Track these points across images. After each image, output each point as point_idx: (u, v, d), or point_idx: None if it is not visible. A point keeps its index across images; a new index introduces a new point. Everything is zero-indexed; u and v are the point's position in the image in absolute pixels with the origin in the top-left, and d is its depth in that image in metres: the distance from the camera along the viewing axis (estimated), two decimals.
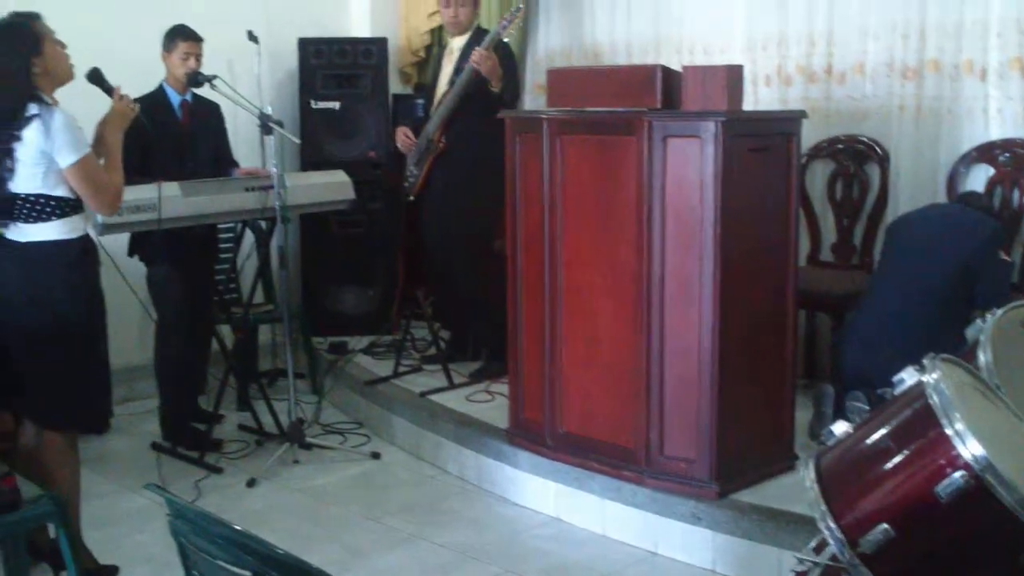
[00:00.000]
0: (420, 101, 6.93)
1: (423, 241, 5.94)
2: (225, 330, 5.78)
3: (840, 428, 2.57)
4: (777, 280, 4.33)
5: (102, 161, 3.89)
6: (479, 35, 5.62)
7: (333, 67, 6.79)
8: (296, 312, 6.08)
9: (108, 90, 4.08)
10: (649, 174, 4.06)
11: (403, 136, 5.92)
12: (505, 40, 5.49)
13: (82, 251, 3.86)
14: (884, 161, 5.28)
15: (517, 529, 4.58)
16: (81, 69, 4.06)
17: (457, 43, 5.79)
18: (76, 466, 4.05)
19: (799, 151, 4.35)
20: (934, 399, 2.30)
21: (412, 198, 5.91)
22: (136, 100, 5.15)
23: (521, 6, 5.63)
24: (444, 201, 5.75)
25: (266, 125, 5.08)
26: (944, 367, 2.42)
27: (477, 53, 5.37)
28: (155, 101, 5.36)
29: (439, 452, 5.25)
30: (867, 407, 4.21)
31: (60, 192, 3.74)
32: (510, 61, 5.64)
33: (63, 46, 3.87)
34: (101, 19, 5.93)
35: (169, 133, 5.35)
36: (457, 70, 5.62)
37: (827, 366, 5.34)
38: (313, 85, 6.79)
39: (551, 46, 6.72)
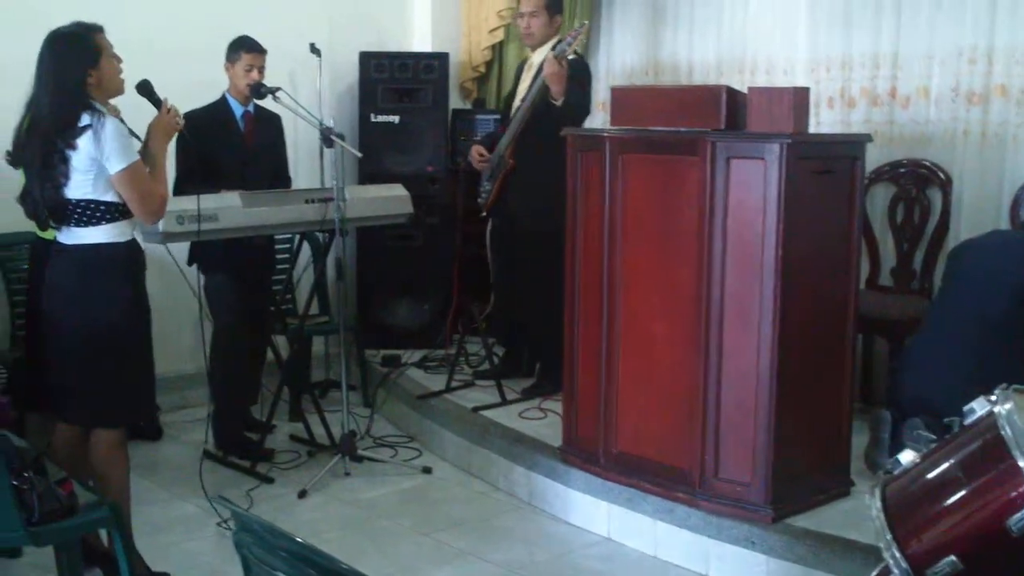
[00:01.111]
0: (481, 117, 6.98)
1: (492, 256, 5.94)
2: (279, 341, 5.81)
3: (907, 457, 2.53)
4: (837, 304, 4.29)
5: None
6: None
7: (394, 81, 6.81)
8: (350, 324, 6.09)
9: (156, 102, 4.14)
10: (711, 195, 4.04)
11: (477, 154, 5.88)
12: (571, 57, 5.35)
13: (129, 254, 3.97)
14: (946, 186, 5.22)
15: (568, 548, 4.56)
16: (135, 79, 4.11)
17: (536, 57, 5.71)
18: (126, 466, 4.12)
19: (863, 175, 4.32)
20: (1006, 431, 2.26)
21: (484, 214, 5.91)
22: (198, 111, 5.26)
23: (586, 22, 5.59)
24: (513, 218, 5.74)
25: (328, 138, 5.10)
26: (1017, 398, 2.38)
27: (549, 55, 5.29)
28: (217, 112, 5.43)
29: (490, 468, 5.24)
30: (931, 435, 4.14)
31: (109, 197, 3.83)
32: (582, 76, 5.51)
33: (119, 60, 3.95)
34: (166, 29, 6.00)
35: (230, 144, 5.40)
36: (531, 86, 5.55)
37: (883, 391, 5.27)
38: (373, 99, 6.82)
39: (612, 65, 6.71)
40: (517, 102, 5.73)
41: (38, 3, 5.34)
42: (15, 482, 3.35)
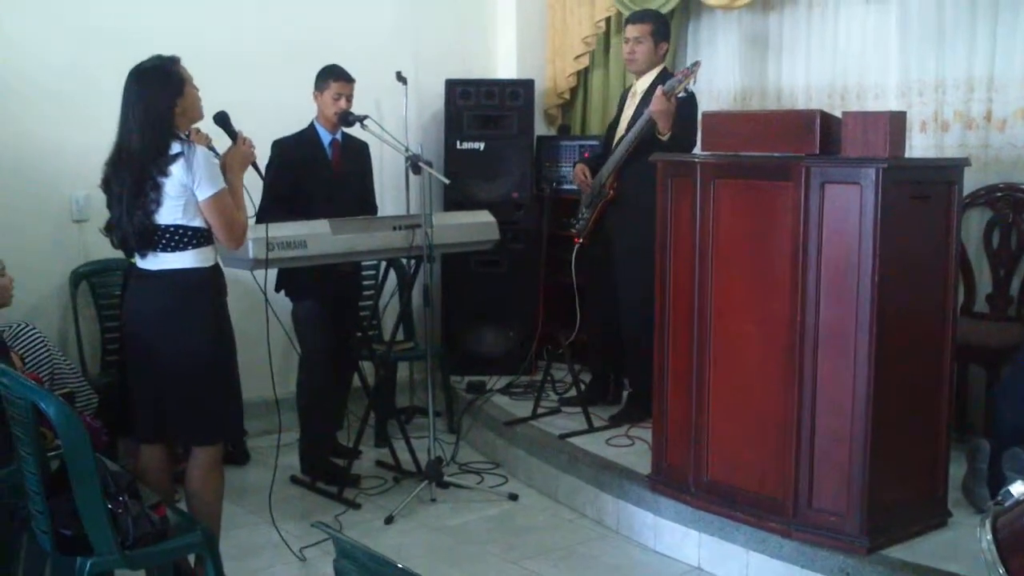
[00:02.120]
0: (566, 143, 6.97)
1: (581, 282, 5.91)
2: (365, 367, 5.83)
3: (1019, 488, 2.45)
4: (934, 332, 4.21)
5: None
6: (664, 77, 5.48)
7: (479, 108, 6.83)
8: (436, 350, 6.09)
9: (232, 134, 4.22)
10: (805, 221, 3.99)
11: (580, 174, 5.87)
12: (682, 94, 5.30)
13: (213, 278, 4.06)
14: None
15: None
16: (226, 106, 4.23)
17: (640, 85, 5.70)
18: (221, 488, 4.22)
19: (960, 200, 4.23)
20: None
21: (580, 241, 5.89)
22: (287, 138, 5.33)
23: (699, 61, 5.49)
24: (610, 246, 5.71)
25: (416, 165, 5.13)
26: None
27: (658, 90, 5.26)
28: (306, 139, 5.48)
29: (577, 496, 5.20)
30: None
31: (197, 223, 3.92)
32: (688, 112, 5.43)
33: (197, 89, 4.04)
34: (256, 55, 6.10)
35: (319, 172, 5.45)
36: (636, 114, 5.52)
37: (980, 420, 5.17)
38: (459, 126, 6.84)
39: (699, 90, 6.67)
40: (621, 130, 5.71)
41: (127, 28, 5.46)
42: (110, 506, 3.39)
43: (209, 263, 4.01)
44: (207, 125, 4.20)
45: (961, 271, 5.21)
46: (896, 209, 3.88)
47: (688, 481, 4.54)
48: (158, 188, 3.82)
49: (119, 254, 4.42)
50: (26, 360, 4.97)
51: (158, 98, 3.88)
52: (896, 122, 3.99)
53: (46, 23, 5.57)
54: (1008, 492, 2.47)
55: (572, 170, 6.22)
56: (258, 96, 5.60)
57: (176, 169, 3.81)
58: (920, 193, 4.06)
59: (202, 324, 3.99)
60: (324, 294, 5.39)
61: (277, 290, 5.33)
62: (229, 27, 6.07)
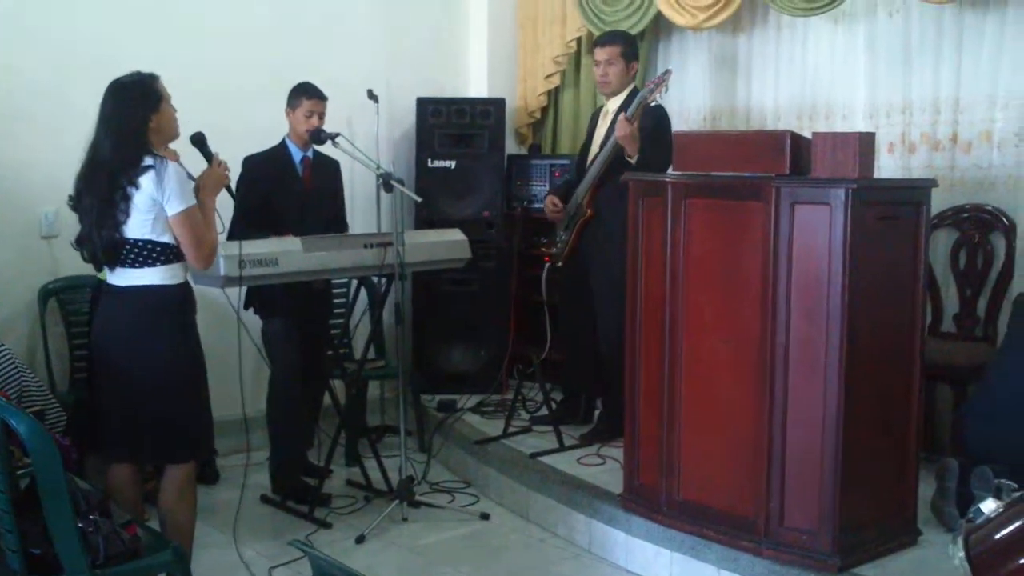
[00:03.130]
0: (536, 162, 6.98)
1: (563, 302, 5.93)
2: (336, 385, 5.81)
3: (989, 505, 2.47)
4: (903, 350, 4.24)
5: None
6: (633, 97, 5.47)
7: (450, 127, 6.84)
8: (407, 369, 6.08)
9: (208, 155, 4.25)
10: (775, 240, 4.02)
11: (551, 205, 5.86)
12: (652, 104, 5.34)
13: (182, 296, 4.06)
14: (1011, 231, 5.16)
15: None
16: (198, 122, 4.26)
17: (612, 104, 5.71)
18: (194, 506, 4.21)
19: (928, 220, 4.28)
20: None
21: (560, 264, 5.89)
22: (258, 155, 5.33)
23: (669, 69, 5.52)
24: (588, 265, 5.71)
25: (387, 183, 5.13)
26: None
27: (620, 117, 5.30)
28: (277, 156, 5.48)
29: (549, 515, 5.20)
30: (1013, 483, 4.06)
31: (166, 239, 3.93)
32: (660, 126, 5.44)
33: (174, 109, 4.07)
34: (227, 73, 6.11)
35: (290, 188, 5.44)
36: (609, 132, 5.51)
37: (947, 439, 5.20)
38: (430, 144, 6.84)
39: (670, 110, 6.72)
40: (594, 149, 5.73)
41: (102, 50, 5.44)
42: (80, 524, 3.37)
43: (178, 280, 4.01)
44: (183, 145, 4.19)
45: (928, 291, 5.26)
46: (865, 229, 3.92)
47: (660, 500, 4.54)
48: (127, 199, 3.83)
49: (88, 270, 4.40)
50: None
51: (133, 111, 3.91)
52: (865, 143, 4.03)
53: (20, 42, 5.56)
54: (979, 510, 2.49)
55: (543, 191, 6.25)
56: (233, 117, 5.60)
57: (146, 181, 3.82)
58: (889, 214, 4.09)
59: (169, 341, 3.98)
60: (295, 312, 5.37)
61: (246, 307, 5.31)
62: (204, 48, 6.05)
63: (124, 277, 3.95)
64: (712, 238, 4.29)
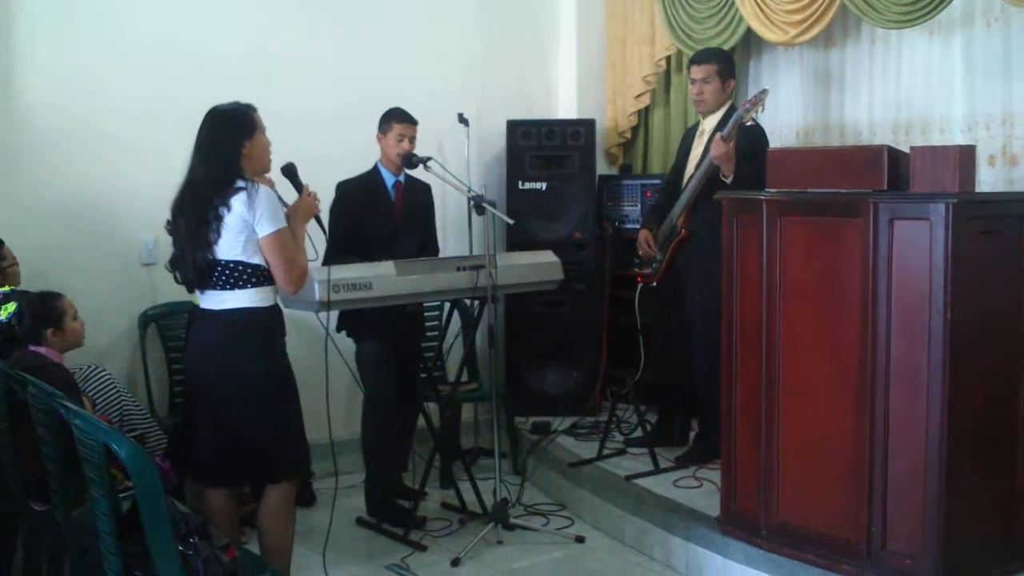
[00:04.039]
0: (628, 182, 6.95)
1: (658, 322, 5.89)
2: (430, 407, 5.82)
3: None
4: (1007, 367, 4.13)
5: None
6: (730, 115, 5.42)
7: (541, 148, 6.84)
8: (500, 391, 6.07)
9: (298, 186, 4.30)
10: (874, 257, 3.94)
11: (644, 243, 5.82)
12: (748, 123, 5.27)
13: (272, 318, 4.09)
14: None
15: None
16: (292, 147, 4.34)
17: (709, 123, 5.65)
18: (293, 527, 4.25)
19: None
20: None
21: (643, 281, 5.86)
22: (351, 180, 5.38)
23: (766, 88, 5.45)
24: (684, 285, 5.66)
25: (479, 206, 5.15)
26: None
27: (716, 138, 5.26)
28: (369, 181, 5.52)
29: (645, 538, 5.15)
30: None
31: (256, 260, 3.97)
32: (756, 145, 5.31)
33: (268, 141, 4.15)
34: (320, 98, 6.20)
35: (383, 213, 5.48)
36: (706, 152, 5.45)
37: None
38: (521, 166, 6.86)
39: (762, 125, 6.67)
40: (690, 169, 5.67)
41: (200, 80, 5.55)
42: (181, 547, 3.40)
43: (267, 303, 4.05)
44: (275, 177, 4.25)
45: None
46: (967, 244, 3.83)
47: (758, 523, 4.47)
48: (219, 219, 3.89)
49: (186, 296, 4.46)
50: (97, 402, 5.02)
51: (227, 136, 3.99)
52: (965, 156, 3.95)
53: (120, 70, 5.70)
54: None
55: (640, 209, 6.23)
56: (325, 146, 5.70)
57: (237, 203, 3.88)
58: (991, 228, 4.00)
59: (260, 362, 4.02)
60: (387, 335, 5.40)
61: (339, 331, 5.35)
62: (299, 77, 6.16)
63: (215, 300, 4.01)
64: (809, 256, 4.22)
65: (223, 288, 3.98)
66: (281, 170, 4.28)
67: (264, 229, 3.91)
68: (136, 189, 5.58)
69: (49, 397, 3.70)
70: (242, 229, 3.90)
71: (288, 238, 3.99)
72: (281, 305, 4.20)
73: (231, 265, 3.95)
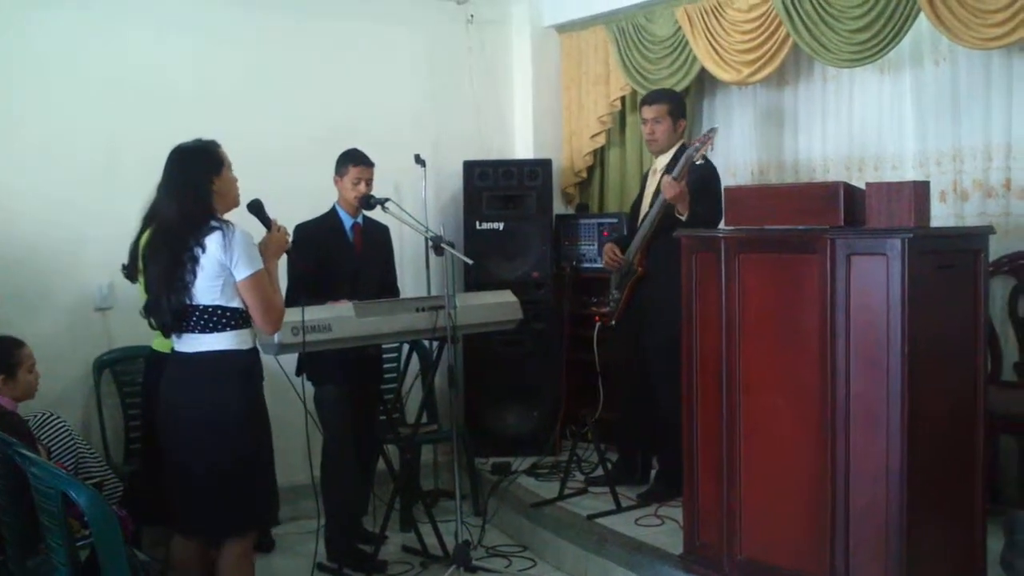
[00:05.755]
0: (584, 221, 6.98)
1: (617, 360, 5.89)
2: (390, 450, 5.79)
3: None
4: (965, 401, 4.17)
5: None
6: (681, 154, 5.46)
7: (498, 188, 6.87)
8: (461, 432, 6.05)
9: (266, 221, 4.27)
10: (832, 293, 3.97)
11: (610, 253, 5.83)
12: (699, 163, 5.29)
13: (251, 363, 4.05)
14: None
15: None
16: (250, 188, 4.28)
17: (661, 162, 5.70)
18: (252, 571, 4.18)
19: (987, 268, 4.21)
20: None
21: (601, 320, 5.86)
22: (309, 222, 5.36)
23: (716, 127, 5.53)
24: (643, 323, 5.67)
25: (438, 246, 5.14)
26: None
27: (665, 179, 5.30)
28: (328, 223, 5.51)
29: None
30: None
31: (235, 304, 3.93)
32: (710, 183, 5.42)
33: (235, 177, 4.13)
34: (277, 139, 6.20)
35: (342, 255, 5.46)
36: (658, 190, 5.47)
37: (1012, 491, 5.10)
38: (478, 206, 6.88)
39: (717, 165, 6.71)
40: (645, 207, 5.71)
41: (150, 126, 5.53)
42: None
43: (247, 346, 4.02)
44: (241, 214, 4.22)
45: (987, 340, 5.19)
46: (923, 279, 3.86)
47: (721, 560, 4.46)
48: (195, 260, 3.85)
49: (143, 341, 4.43)
50: (52, 450, 4.97)
51: (197, 173, 3.97)
52: (920, 191, 3.99)
53: (73, 112, 5.69)
54: None
55: (597, 248, 6.22)
56: (281, 184, 5.64)
57: (213, 245, 3.85)
58: (947, 262, 4.04)
59: (239, 408, 3.97)
60: (347, 378, 5.37)
61: (298, 374, 5.30)
62: (258, 117, 6.15)
63: (192, 343, 3.96)
64: (767, 292, 4.24)
65: (202, 331, 3.94)
66: (247, 207, 4.25)
67: (242, 272, 3.89)
68: (87, 237, 5.56)
69: (3, 445, 3.65)
70: (219, 273, 3.87)
71: (265, 279, 3.97)
72: (260, 349, 4.17)
73: (210, 309, 3.91)
